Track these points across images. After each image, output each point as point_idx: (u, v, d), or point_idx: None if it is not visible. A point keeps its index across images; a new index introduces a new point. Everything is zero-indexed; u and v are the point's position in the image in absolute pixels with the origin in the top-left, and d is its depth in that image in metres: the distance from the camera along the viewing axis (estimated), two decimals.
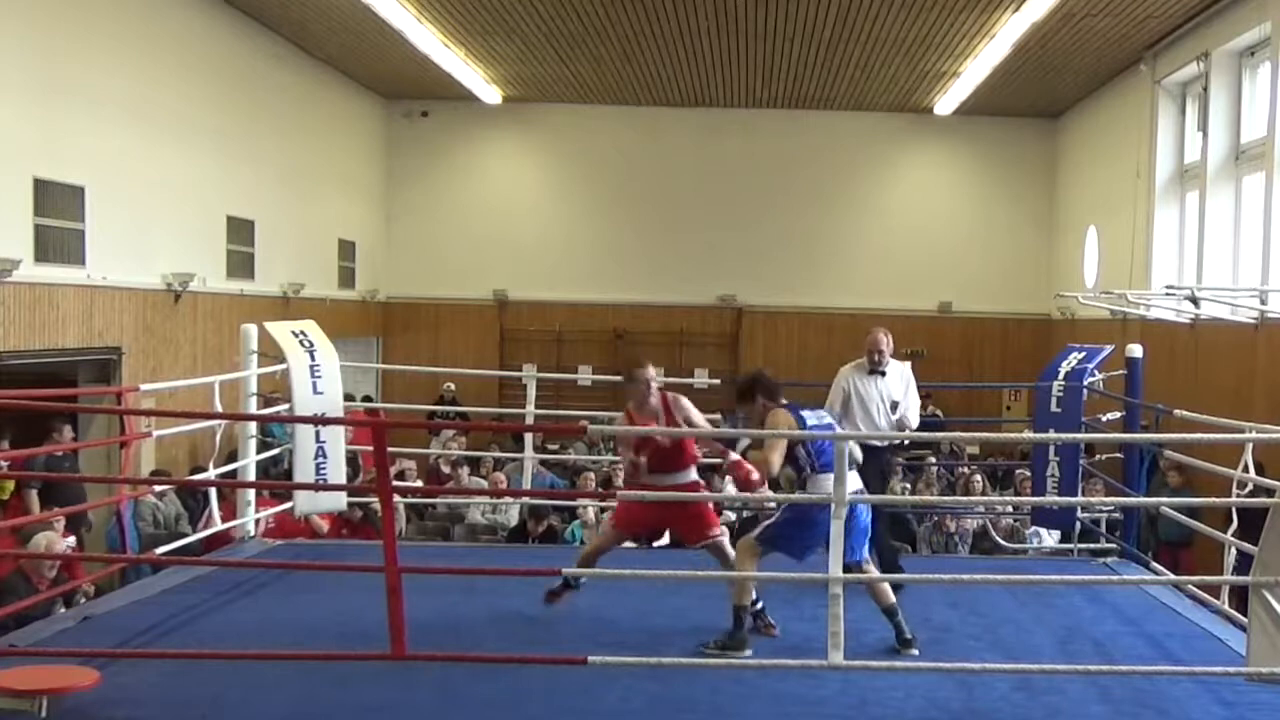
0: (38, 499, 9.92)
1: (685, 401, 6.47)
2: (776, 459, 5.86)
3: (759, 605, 6.25)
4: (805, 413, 6.10)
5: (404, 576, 5.03)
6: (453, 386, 18.07)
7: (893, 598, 5.98)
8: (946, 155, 20.24)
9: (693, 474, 6.53)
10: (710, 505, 6.73)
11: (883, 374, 7.62)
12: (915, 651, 5.89)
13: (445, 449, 14.12)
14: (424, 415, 16.76)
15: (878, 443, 7.51)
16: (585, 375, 17.27)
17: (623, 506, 6.65)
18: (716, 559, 6.50)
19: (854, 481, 5.78)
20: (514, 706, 5.15)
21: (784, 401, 6.15)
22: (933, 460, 14.68)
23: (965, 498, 12.42)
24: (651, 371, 6.50)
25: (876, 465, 7.49)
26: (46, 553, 7.30)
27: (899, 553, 8.08)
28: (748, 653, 5.88)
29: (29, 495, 9.95)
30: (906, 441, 7.83)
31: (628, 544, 7.36)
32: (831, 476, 5.78)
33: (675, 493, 6.38)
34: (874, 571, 6.04)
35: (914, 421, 7.72)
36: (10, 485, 9.82)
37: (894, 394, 7.61)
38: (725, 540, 6.48)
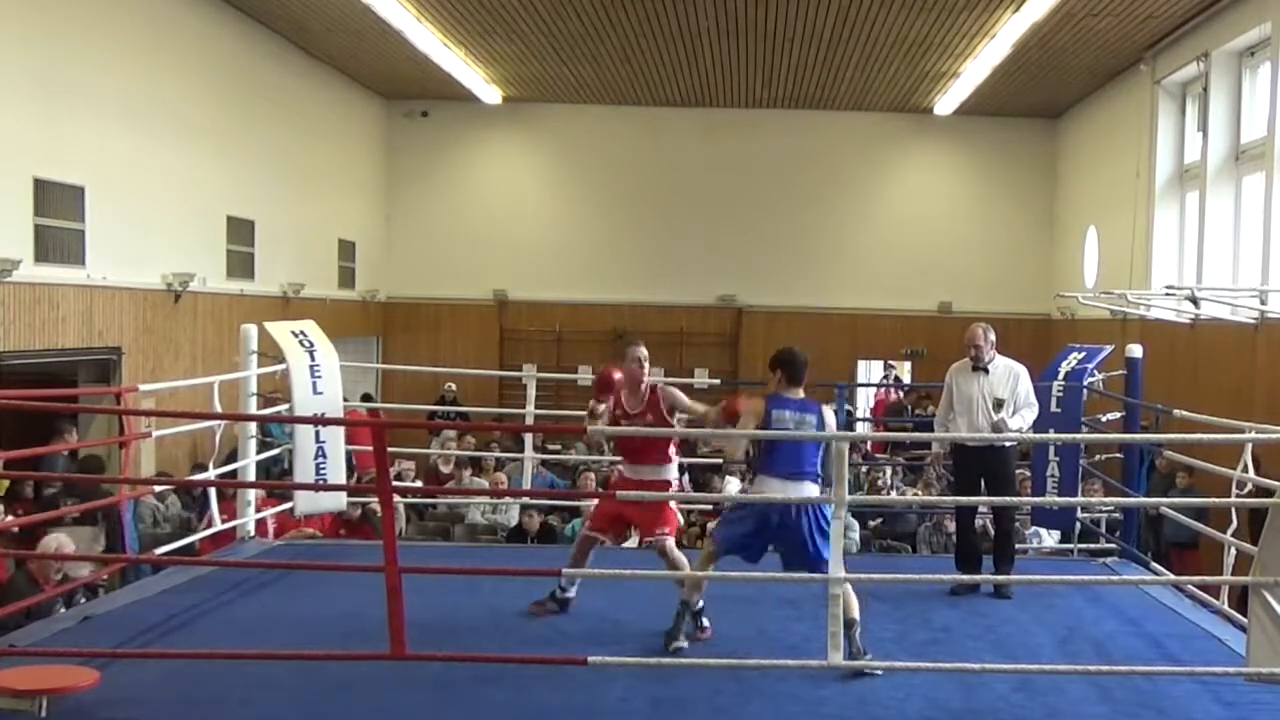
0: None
1: (674, 391, 6.55)
2: (736, 444, 6.10)
3: (699, 606, 6.23)
4: (785, 412, 5.87)
5: (404, 576, 5.03)
6: (453, 386, 18.04)
7: (856, 613, 5.76)
8: (946, 155, 20.24)
9: (666, 472, 6.52)
10: (672, 507, 6.61)
11: (986, 371, 7.48)
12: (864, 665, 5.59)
13: (445, 449, 14.12)
14: (424, 415, 16.76)
15: (984, 443, 7.31)
16: (585, 375, 17.21)
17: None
18: (660, 558, 6.50)
19: (734, 485, 5.71)
20: (514, 707, 5.15)
21: (781, 392, 5.98)
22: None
23: (965, 498, 12.36)
24: (643, 351, 6.49)
25: (988, 469, 7.41)
26: (49, 554, 7.29)
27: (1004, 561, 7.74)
28: (683, 645, 5.91)
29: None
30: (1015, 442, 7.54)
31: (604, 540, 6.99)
32: (772, 480, 5.78)
33: (646, 489, 6.37)
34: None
35: (1018, 424, 7.40)
36: (4, 484, 9.81)
37: (998, 392, 7.42)
38: (670, 543, 6.44)
